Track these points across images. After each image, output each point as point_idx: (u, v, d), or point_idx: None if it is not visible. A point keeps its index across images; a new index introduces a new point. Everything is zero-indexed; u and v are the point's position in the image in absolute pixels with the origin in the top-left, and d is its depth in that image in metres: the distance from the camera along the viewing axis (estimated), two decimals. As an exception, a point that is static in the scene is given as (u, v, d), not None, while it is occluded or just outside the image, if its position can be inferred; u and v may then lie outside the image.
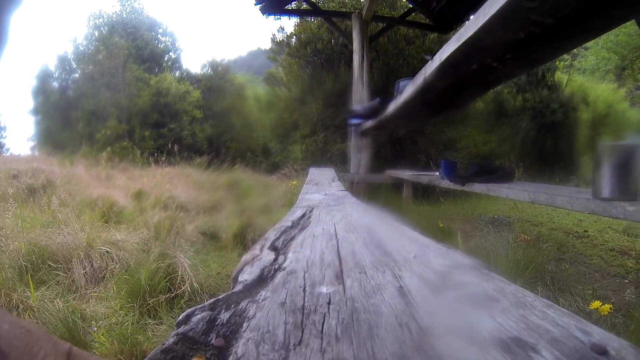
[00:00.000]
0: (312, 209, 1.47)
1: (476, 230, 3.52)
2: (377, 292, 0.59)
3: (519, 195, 2.19)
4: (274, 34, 9.24)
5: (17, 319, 0.36)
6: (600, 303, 1.68)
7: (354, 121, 4.62)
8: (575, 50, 12.49)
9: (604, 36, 11.81)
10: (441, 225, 3.49)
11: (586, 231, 3.81)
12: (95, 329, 1.93)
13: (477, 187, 2.65)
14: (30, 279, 2.13)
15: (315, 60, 8.45)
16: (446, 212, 5.01)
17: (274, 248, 0.89)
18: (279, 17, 6.76)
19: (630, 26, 9.98)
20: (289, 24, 14.27)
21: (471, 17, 1.59)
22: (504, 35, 1.40)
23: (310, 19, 8.48)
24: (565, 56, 10.62)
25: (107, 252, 2.68)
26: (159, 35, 16.54)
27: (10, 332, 0.33)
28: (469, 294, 0.56)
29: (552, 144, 8.35)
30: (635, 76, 12.66)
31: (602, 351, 0.40)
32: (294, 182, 3.00)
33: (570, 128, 8.55)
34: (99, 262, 2.61)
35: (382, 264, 0.74)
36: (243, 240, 3.54)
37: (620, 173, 1.49)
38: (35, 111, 14.24)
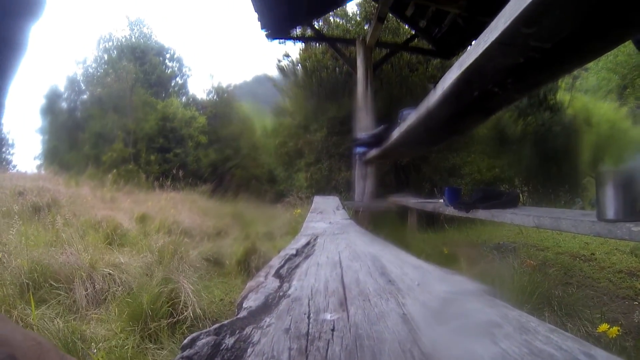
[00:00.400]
0: (317, 237, 1.47)
1: (481, 257, 3.49)
2: (381, 319, 0.60)
3: (523, 220, 2.18)
4: (280, 60, 9.37)
5: (28, 331, 0.37)
6: (608, 326, 1.66)
7: (359, 149, 4.64)
8: (575, 72, 12.62)
9: (603, 57, 11.96)
10: (446, 252, 3.47)
11: (593, 254, 3.76)
12: (95, 351, 1.91)
13: (482, 214, 2.64)
14: (31, 297, 2.12)
15: (320, 90, 8.56)
16: (451, 239, 4.98)
17: (278, 275, 0.89)
18: (284, 42, 6.90)
19: (628, 46, 10.10)
20: (294, 49, 14.50)
21: (473, 42, 1.62)
22: (504, 60, 1.42)
23: (315, 45, 8.63)
24: (566, 78, 10.71)
25: (109, 274, 2.68)
26: (167, 61, 16.88)
27: (24, 343, 0.34)
28: (472, 320, 0.56)
29: (555, 168, 8.34)
30: (636, 94, 12.76)
31: None
32: (299, 211, 3.02)
33: (574, 150, 8.55)
34: (101, 283, 2.60)
35: (386, 292, 0.74)
36: (247, 267, 3.53)
37: (625, 194, 1.49)
38: (43, 130, 14.44)
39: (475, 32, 5.57)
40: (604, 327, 1.68)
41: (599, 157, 8.49)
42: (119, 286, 2.61)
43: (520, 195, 7.81)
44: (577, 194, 8.20)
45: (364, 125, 5.53)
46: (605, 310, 2.22)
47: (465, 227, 5.64)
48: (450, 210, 3.01)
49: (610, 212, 1.52)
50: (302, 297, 0.71)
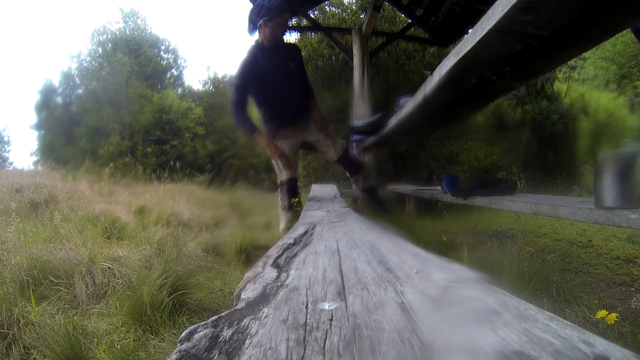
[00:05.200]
0: (315, 225, 1.47)
1: (480, 244, 3.51)
2: (379, 308, 0.59)
3: (521, 207, 2.19)
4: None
5: None
6: (607, 312, 1.67)
7: (356, 137, 4.63)
8: (573, 61, 12.58)
9: (601, 46, 11.92)
10: (445, 239, 3.48)
11: (590, 241, 3.78)
12: (97, 345, 1.92)
13: (480, 201, 2.64)
14: (31, 294, 2.12)
15: (317, 77, 8.51)
16: (449, 226, 5.00)
17: (276, 265, 0.89)
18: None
19: (626, 35, 10.07)
20: (290, 39, 14.33)
21: (469, 31, 1.61)
22: (501, 48, 1.41)
23: (311, 34, 8.56)
24: (564, 68, 10.68)
25: (109, 268, 2.68)
26: (162, 53, 16.76)
27: None
28: (471, 308, 0.56)
29: (553, 155, 8.35)
30: (634, 83, 12.73)
31: None
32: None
33: (571, 138, 8.56)
34: (100, 278, 2.60)
35: (384, 280, 0.74)
36: (246, 257, 3.54)
37: (622, 181, 1.48)
38: (39, 126, 14.36)
39: (472, 20, 5.53)
40: (602, 313, 1.69)
41: (596, 145, 8.50)
42: (118, 280, 2.62)
43: (518, 183, 7.84)
44: (574, 182, 8.23)
45: (360, 113, 5.52)
46: (603, 297, 2.24)
47: (463, 214, 5.66)
48: (448, 198, 3.01)
49: (608, 199, 1.52)
50: (300, 287, 0.71)
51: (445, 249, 3.05)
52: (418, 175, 7.22)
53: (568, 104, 9.07)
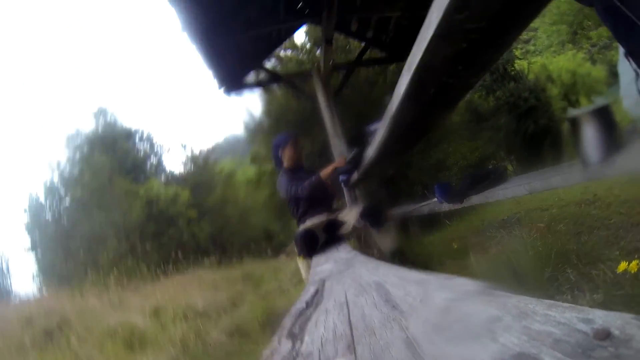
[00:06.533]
0: (324, 281, 1.48)
1: (490, 240, 3.47)
2: (386, 351, 0.61)
3: (515, 191, 2.19)
4: (245, 121, 9.40)
5: None
6: (627, 263, 1.63)
7: (342, 178, 4.64)
8: (525, 35, 12.88)
9: (547, 12, 12.23)
10: (455, 246, 3.44)
11: (596, 194, 3.70)
12: None
13: (476, 199, 2.64)
14: None
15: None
16: (456, 232, 4.95)
17: (290, 335, 0.91)
18: (241, 93, 6.89)
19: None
20: (254, 98, 14.43)
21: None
22: (448, 50, 1.44)
23: (275, 87, 8.60)
24: (518, 45, 10.97)
25: (138, 379, 2.62)
26: (137, 144, 16.90)
27: None
28: (471, 323, 0.57)
29: (533, 129, 8.43)
30: (587, 35, 13.01)
31: (606, 335, 0.40)
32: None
33: (547, 107, 8.69)
34: (132, 393, 2.53)
35: (390, 320, 0.76)
36: (271, 328, 3.47)
37: (601, 135, 1.49)
38: (34, 247, 14.23)
39: (420, 27, 5.67)
40: (622, 266, 1.66)
41: (570, 105, 8.63)
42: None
43: (509, 166, 7.90)
44: (560, 145, 8.23)
45: (339, 151, 5.53)
46: (624, 244, 2.20)
47: (467, 215, 5.62)
48: (446, 206, 3.01)
49: (593, 154, 1.52)
50: (314, 351, 0.73)
51: (458, 255, 3.02)
52: (413, 193, 7.20)
53: (533, 79, 9.28)
